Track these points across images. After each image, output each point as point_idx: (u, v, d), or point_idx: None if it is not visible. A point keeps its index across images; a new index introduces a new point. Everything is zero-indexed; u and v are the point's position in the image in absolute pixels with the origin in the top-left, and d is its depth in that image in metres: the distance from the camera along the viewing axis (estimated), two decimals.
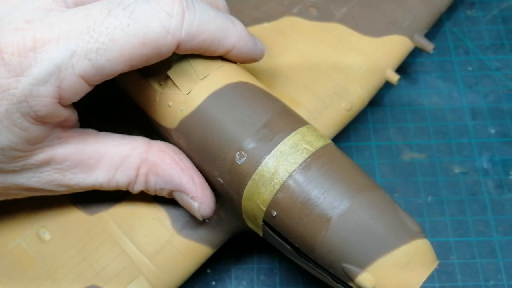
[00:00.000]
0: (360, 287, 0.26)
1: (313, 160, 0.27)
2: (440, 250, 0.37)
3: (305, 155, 0.27)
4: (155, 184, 0.30)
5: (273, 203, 0.27)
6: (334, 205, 0.26)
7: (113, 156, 0.30)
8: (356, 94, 0.37)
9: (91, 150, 0.29)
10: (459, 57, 0.45)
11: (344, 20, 0.40)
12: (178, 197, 0.30)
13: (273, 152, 0.28)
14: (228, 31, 0.29)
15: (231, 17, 0.31)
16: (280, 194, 0.27)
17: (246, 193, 0.28)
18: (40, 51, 0.25)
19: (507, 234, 0.37)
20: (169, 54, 0.28)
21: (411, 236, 0.26)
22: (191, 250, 0.31)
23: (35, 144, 0.27)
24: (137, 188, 0.31)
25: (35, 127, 0.26)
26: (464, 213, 0.38)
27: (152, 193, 0.31)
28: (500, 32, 0.46)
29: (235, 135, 0.28)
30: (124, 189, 0.31)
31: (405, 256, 0.26)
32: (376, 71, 0.38)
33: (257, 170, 0.28)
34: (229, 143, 0.28)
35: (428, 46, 0.39)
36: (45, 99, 0.26)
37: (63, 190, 0.30)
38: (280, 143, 0.28)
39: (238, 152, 0.28)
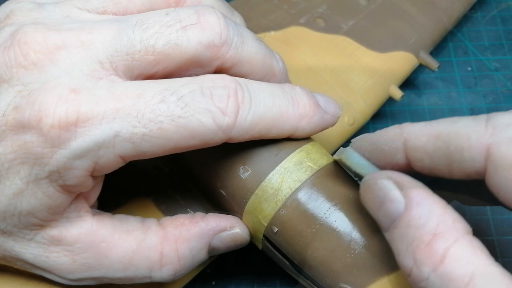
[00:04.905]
0: None
1: (317, 178, 0.28)
2: None
3: (309, 173, 0.28)
4: (191, 250, 0.28)
5: (275, 219, 0.28)
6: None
7: (128, 240, 0.27)
8: (359, 109, 0.37)
9: (105, 233, 0.27)
10: (458, 58, 0.44)
11: (351, 33, 0.40)
12: (217, 242, 0.29)
13: (277, 168, 0.28)
14: (288, 116, 0.27)
15: (292, 91, 0.28)
16: (282, 211, 0.27)
17: (248, 207, 0.28)
18: (82, 126, 0.24)
19: (506, 234, 0.37)
20: (216, 145, 0.26)
21: None
22: None
23: (54, 213, 0.25)
24: (165, 272, 0.28)
25: (59, 195, 0.25)
26: (463, 213, 0.38)
27: (191, 268, 0.29)
28: (499, 33, 0.46)
29: (239, 149, 0.28)
30: (144, 278, 0.28)
31: (402, 279, 0.26)
32: (380, 86, 0.38)
33: (260, 186, 0.28)
34: (234, 156, 0.28)
35: (433, 64, 0.39)
36: (77, 171, 0.24)
37: (71, 278, 0.27)
38: (285, 160, 0.28)
39: (242, 166, 0.28)
